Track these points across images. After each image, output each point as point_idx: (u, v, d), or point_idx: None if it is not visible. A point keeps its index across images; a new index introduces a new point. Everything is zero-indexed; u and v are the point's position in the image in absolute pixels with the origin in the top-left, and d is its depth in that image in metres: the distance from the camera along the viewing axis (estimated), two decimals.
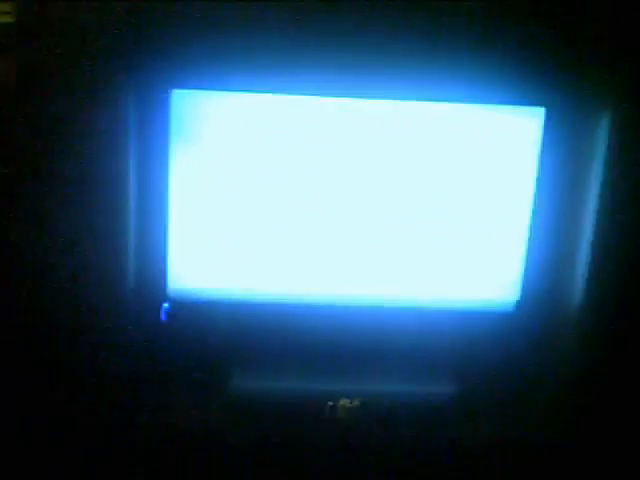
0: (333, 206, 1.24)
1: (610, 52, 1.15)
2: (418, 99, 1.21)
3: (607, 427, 1.25)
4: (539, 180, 1.24)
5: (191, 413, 1.23)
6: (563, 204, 1.25)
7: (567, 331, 1.26)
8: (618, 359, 1.24)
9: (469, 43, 1.16)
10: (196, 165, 1.21)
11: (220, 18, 1.14)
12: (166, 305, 1.26)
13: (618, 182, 1.17)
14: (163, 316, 1.26)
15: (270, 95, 1.19)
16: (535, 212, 1.26)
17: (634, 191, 1.18)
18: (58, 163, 1.13)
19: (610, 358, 1.23)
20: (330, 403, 1.20)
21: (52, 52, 1.10)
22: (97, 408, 1.19)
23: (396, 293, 1.28)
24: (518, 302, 1.29)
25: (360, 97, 1.20)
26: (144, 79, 1.16)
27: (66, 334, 1.18)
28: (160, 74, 1.18)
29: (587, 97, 1.20)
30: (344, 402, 1.20)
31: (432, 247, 1.26)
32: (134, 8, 1.11)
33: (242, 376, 1.24)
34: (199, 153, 1.21)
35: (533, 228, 1.26)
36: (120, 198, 1.16)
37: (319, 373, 1.26)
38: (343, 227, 1.24)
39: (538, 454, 1.26)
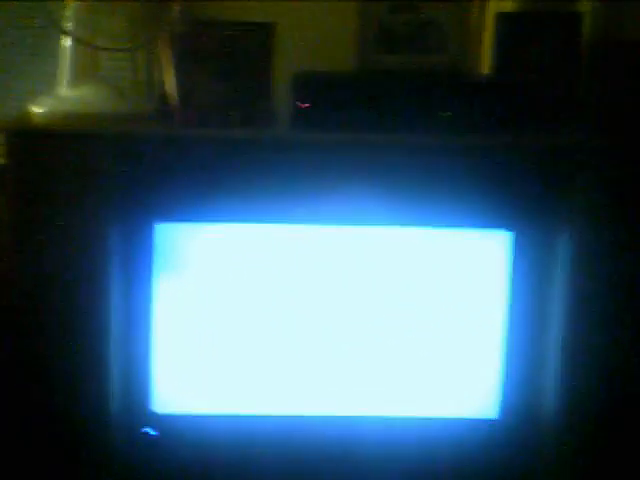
0: (315, 329, 1.27)
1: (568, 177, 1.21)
2: (392, 224, 1.25)
3: None
4: (511, 298, 1.28)
5: None
6: (534, 320, 1.28)
7: (547, 440, 1.29)
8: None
9: (442, 172, 1.21)
10: (179, 293, 1.25)
11: (198, 153, 1.19)
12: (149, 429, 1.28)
13: (583, 297, 1.22)
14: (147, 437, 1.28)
15: (249, 224, 1.24)
16: (509, 328, 1.28)
17: (599, 302, 1.22)
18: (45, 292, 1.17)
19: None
20: None
21: (40, 190, 1.15)
22: None
23: (380, 410, 1.30)
24: (498, 418, 1.31)
25: (337, 224, 1.25)
26: (128, 214, 1.21)
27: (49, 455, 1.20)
28: (143, 209, 1.22)
29: (552, 219, 1.24)
30: None
31: (414, 367, 1.29)
32: (118, 146, 1.16)
33: None
34: (182, 281, 1.25)
35: (508, 344, 1.29)
36: (103, 328, 1.20)
37: None
38: (325, 349, 1.28)
39: None
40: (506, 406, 1.30)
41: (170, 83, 1.16)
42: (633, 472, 1.26)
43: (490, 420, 1.31)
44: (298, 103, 1.14)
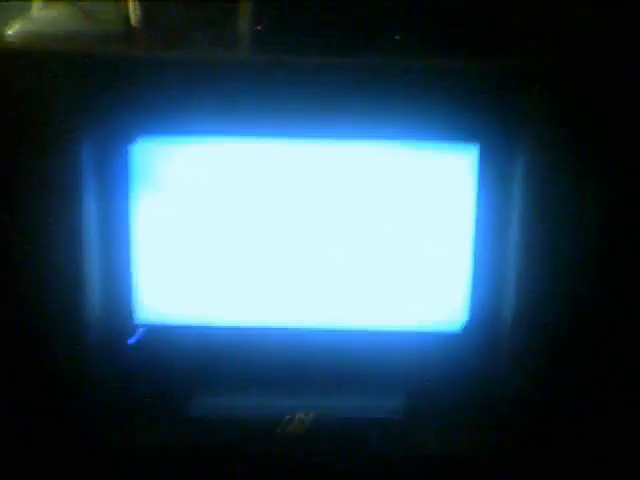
0: (287, 239, 1.33)
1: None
2: (352, 139, 1.30)
3: (551, 442, 1.32)
4: (478, 209, 1.32)
5: (154, 432, 1.33)
6: (501, 229, 1.33)
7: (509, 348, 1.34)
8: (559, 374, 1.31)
9: (401, 82, 1.24)
10: (158, 208, 1.32)
11: (165, 74, 1.23)
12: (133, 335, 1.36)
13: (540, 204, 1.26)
14: (130, 341, 1.36)
15: (219, 139, 1.30)
16: (476, 239, 1.33)
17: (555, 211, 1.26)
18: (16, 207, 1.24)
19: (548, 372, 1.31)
20: (287, 417, 1.29)
21: (11, 104, 1.20)
22: (61, 430, 1.29)
23: (348, 317, 1.36)
24: (466, 323, 1.37)
25: (304, 139, 1.30)
26: (101, 133, 1.27)
27: (32, 357, 1.28)
28: (117, 127, 1.28)
29: (515, 133, 1.27)
30: (300, 415, 1.29)
31: (383, 277, 1.35)
32: (86, 66, 1.21)
33: (204, 397, 1.35)
34: (161, 196, 1.31)
35: (475, 253, 1.34)
36: (81, 245, 1.26)
37: (277, 392, 1.36)
38: (295, 259, 1.34)
39: (483, 471, 1.33)
40: (471, 319, 1.36)
41: (135, 5, 1.21)
42: (587, 380, 1.31)
43: (455, 333, 1.37)
44: (256, 26, 1.18)
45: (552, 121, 1.23)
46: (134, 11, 1.21)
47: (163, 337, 1.37)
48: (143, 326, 1.36)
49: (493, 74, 1.23)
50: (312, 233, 1.33)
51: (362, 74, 1.23)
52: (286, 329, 1.37)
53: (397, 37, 1.17)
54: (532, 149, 1.25)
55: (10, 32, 1.23)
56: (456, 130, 1.29)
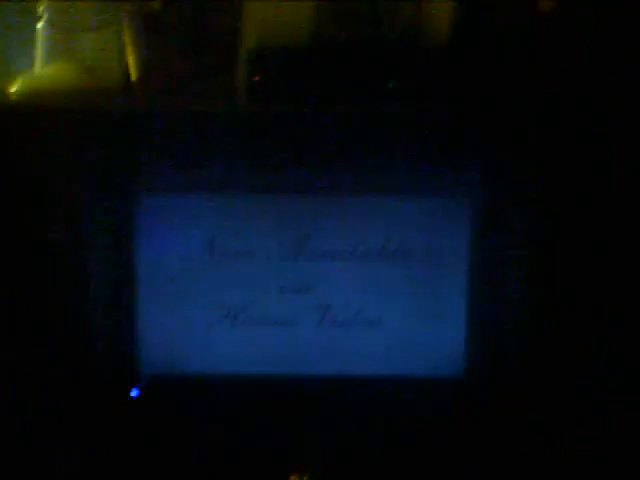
0: (286, 287, 1.33)
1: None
2: (351, 192, 1.30)
3: None
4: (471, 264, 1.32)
5: None
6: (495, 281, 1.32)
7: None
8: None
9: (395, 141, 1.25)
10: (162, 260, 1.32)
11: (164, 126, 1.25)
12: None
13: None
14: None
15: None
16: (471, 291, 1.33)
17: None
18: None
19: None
20: None
21: (13, 160, 1.22)
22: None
23: (346, 366, 1.35)
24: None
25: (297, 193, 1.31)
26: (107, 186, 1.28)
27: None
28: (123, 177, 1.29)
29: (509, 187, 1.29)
30: (294, 478, 1.28)
31: (380, 323, 1.34)
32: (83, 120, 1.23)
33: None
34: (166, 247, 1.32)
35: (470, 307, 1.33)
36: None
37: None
38: (296, 307, 1.34)
39: None
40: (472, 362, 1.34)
41: (135, 59, 1.24)
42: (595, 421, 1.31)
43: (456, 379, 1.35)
44: (253, 77, 1.20)
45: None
46: (134, 65, 1.24)
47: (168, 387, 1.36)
48: (147, 376, 1.36)
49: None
50: (308, 279, 1.33)
51: (359, 123, 1.25)
52: (290, 377, 1.35)
53: (390, 85, 1.19)
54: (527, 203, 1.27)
55: (13, 89, 1.26)
56: (448, 183, 1.30)
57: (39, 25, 1.29)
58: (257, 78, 1.19)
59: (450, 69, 1.23)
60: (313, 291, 1.33)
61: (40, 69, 1.28)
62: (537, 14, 1.27)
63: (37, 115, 1.21)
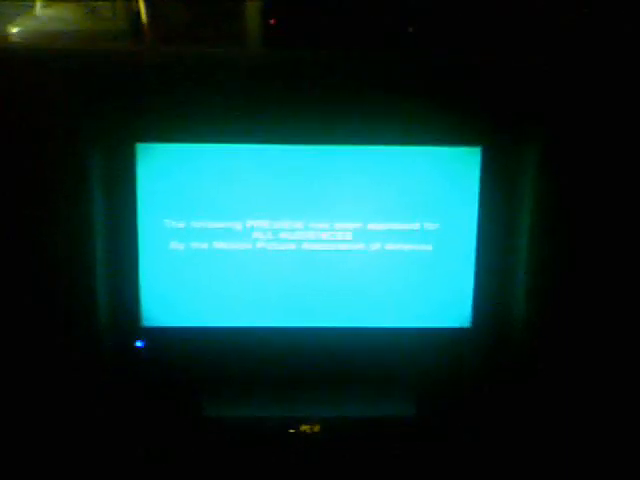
0: (293, 238, 1.32)
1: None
2: (357, 143, 1.28)
3: (560, 437, 1.33)
4: (482, 209, 1.32)
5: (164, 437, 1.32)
6: (505, 228, 1.33)
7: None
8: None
9: (405, 87, 1.23)
10: (165, 211, 1.30)
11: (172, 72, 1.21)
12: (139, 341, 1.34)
13: (549, 204, 1.27)
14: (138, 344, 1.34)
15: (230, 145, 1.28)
16: (480, 240, 1.33)
17: (563, 213, 1.27)
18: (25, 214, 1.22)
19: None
20: (291, 431, 1.28)
21: (14, 102, 1.18)
22: (74, 437, 1.27)
23: (356, 316, 1.35)
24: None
25: (310, 143, 1.28)
26: (109, 133, 1.25)
27: (40, 365, 1.26)
28: (124, 128, 1.26)
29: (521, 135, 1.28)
30: (305, 428, 1.28)
31: (389, 276, 1.34)
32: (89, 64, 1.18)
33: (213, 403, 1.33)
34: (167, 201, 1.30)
35: (479, 256, 1.34)
36: (88, 248, 1.25)
37: (287, 390, 1.35)
38: (302, 258, 1.32)
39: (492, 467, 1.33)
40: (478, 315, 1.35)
41: (141, 2, 1.20)
42: (594, 374, 1.32)
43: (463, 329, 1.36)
44: (268, 20, 1.17)
45: (560, 120, 1.23)
46: (143, 8, 1.20)
47: (171, 339, 1.35)
48: (151, 328, 1.34)
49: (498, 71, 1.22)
50: (317, 233, 1.32)
51: (368, 69, 1.22)
52: (293, 328, 1.35)
53: (410, 29, 1.17)
54: (539, 149, 1.26)
55: (14, 30, 1.21)
56: (459, 132, 1.29)
57: None
58: (273, 21, 1.16)
59: (465, 16, 1.22)
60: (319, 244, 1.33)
61: (41, 10, 1.23)
62: None
63: (39, 56, 1.16)
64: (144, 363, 1.34)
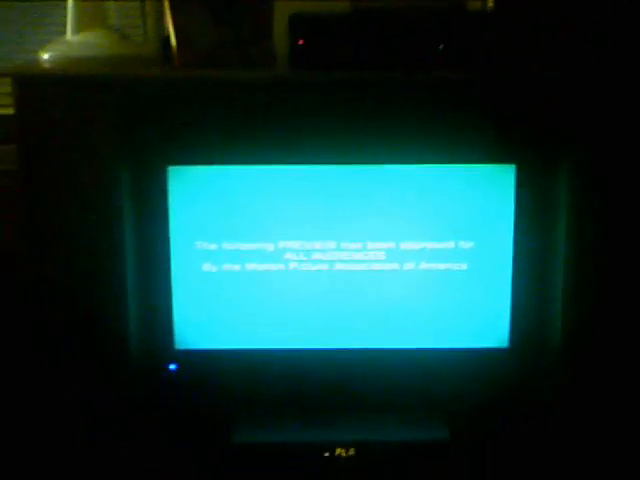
0: (326, 259, 1.31)
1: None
2: (394, 162, 1.27)
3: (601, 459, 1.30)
4: (517, 226, 1.30)
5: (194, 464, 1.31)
6: (540, 249, 1.30)
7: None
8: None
9: (437, 106, 1.22)
10: (195, 233, 1.30)
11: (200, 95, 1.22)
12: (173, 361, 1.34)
13: (583, 227, 1.25)
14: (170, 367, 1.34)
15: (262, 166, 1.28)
16: (516, 260, 1.30)
17: (598, 235, 1.24)
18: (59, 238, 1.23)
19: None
20: (326, 454, 1.26)
21: (51, 136, 1.19)
22: (104, 458, 1.28)
23: (394, 339, 1.33)
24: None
25: (340, 163, 1.28)
26: (141, 157, 1.25)
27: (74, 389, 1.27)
28: (156, 151, 1.26)
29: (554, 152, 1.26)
30: (340, 451, 1.26)
31: (427, 297, 1.32)
32: (120, 88, 1.19)
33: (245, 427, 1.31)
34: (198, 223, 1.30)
35: (516, 277, 1.31)
36: (120, 270, 1.25)
37: (320, 415, 1.33)
38: (337, 279, 1.31)
39: None
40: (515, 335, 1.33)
41: (171, 26, 1.20)
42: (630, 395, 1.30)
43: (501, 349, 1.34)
44: (296, 42, 1.17)
45: (593, 136, 1.22)
46: (173, 33, 1.20)
47: (204, 361, 1.34)
48: (183, 351, 1.33)
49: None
50: (350, 254, 1.30)
51: (401, 89, 1.22)
52: (328, 350, 1.33)
53: (440, 47, 1.16)
54: (572, 167, 1.24)
55: (45, 56, 1.22)
56: (494, 149, 1.27)
57: None
58: (301, 42, 1.15)
59: (496, 35, 1.20)
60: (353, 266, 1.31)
61: (72, 36, 1.23)
62: None
63: (68, 82, 1.17)
64: (177, 385, 1.33)
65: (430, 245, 1.30)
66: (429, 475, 1.28)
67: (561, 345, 1.29)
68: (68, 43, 1.23)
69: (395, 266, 1.31)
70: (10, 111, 1.19)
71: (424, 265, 1.30)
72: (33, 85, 1.16)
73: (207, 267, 1.30)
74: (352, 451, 1.26)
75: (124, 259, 1.24)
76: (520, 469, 1.30)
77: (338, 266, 1.30)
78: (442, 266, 1.31)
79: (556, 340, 1.30)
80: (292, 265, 1.31)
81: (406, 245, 1.30)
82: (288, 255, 1.30)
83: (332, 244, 1.30)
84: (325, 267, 1.30)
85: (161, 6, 1.23)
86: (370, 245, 1.30)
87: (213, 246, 1.30)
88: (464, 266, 1.31)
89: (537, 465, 1.30)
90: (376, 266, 1.31)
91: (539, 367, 1.33)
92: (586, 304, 1.27)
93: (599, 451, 1.29)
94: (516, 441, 1.32)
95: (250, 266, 1.30)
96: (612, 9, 1.21)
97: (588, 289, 1.26)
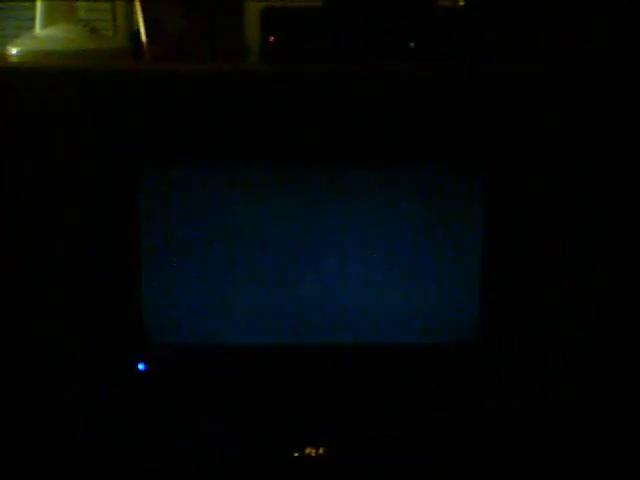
0: (296, 259, 1.30)
1: None
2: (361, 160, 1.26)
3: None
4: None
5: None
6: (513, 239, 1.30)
7: None
8: None
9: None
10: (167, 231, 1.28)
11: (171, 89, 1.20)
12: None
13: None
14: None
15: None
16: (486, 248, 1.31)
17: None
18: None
19: None
20: (295, 454, 1.26)
21: (18, 129, 1.18)
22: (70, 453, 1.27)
23: (361, 332, 1.32)
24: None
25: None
26: (111, 150, 1.23)
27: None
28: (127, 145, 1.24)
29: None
30: (310, 450, 1.26)
31: (394, 293, 1.32)
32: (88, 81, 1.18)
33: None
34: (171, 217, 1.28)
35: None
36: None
37: (287, 410, 1.32)
38: (304, 274, 1.30)
39: None
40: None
41: (140, 18, 1.19)
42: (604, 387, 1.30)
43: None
44: (267, 37, 1.16)
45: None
46: (142, 27, 1.19)
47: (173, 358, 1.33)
48: (152, 347, 1.33)
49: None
50: (321, 251, 1.30)
51: (372, 81, 1.21)
52: (294, 345, 1.32)
53: (411, 44, 1.16)
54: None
55: (14, 51, 1.21)
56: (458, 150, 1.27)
57: None
58: (272, 39, 1.15)
59: (465, 29, 1.21)
60: (322, 261, 1.31)
61: (41, 30, 1.23)
62: None
63: (36, 75, 1.16)
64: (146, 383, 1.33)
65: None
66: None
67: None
68: (37, 37, 1.22)
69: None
70: None
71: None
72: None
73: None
74: (322, 450, 1.27)
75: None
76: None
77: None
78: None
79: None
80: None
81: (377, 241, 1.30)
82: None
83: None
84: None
85: (131, 0, 1.23)
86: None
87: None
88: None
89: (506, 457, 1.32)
90: None
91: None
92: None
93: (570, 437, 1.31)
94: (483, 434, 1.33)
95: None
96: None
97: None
